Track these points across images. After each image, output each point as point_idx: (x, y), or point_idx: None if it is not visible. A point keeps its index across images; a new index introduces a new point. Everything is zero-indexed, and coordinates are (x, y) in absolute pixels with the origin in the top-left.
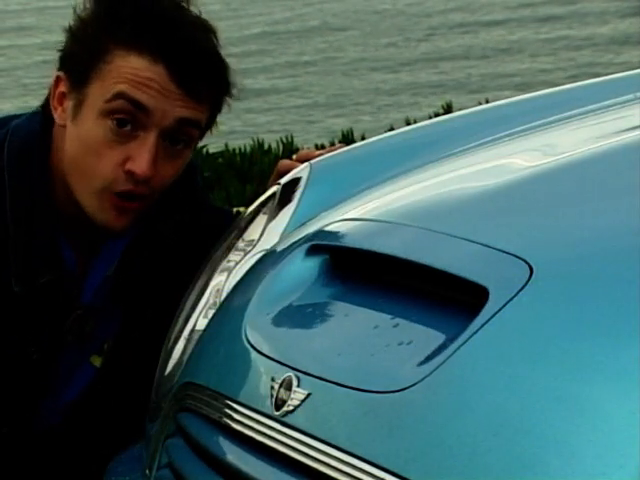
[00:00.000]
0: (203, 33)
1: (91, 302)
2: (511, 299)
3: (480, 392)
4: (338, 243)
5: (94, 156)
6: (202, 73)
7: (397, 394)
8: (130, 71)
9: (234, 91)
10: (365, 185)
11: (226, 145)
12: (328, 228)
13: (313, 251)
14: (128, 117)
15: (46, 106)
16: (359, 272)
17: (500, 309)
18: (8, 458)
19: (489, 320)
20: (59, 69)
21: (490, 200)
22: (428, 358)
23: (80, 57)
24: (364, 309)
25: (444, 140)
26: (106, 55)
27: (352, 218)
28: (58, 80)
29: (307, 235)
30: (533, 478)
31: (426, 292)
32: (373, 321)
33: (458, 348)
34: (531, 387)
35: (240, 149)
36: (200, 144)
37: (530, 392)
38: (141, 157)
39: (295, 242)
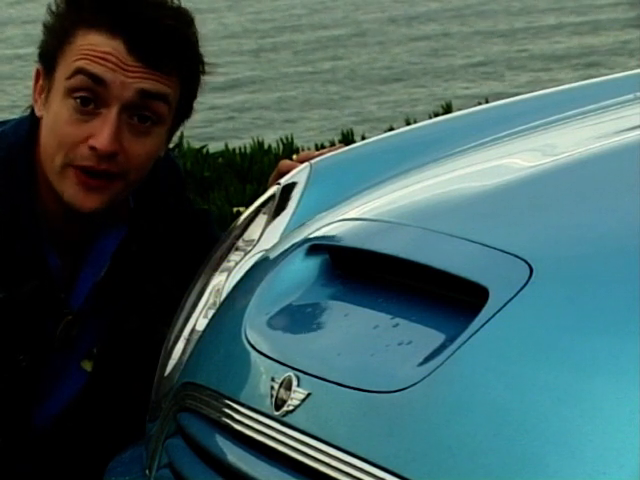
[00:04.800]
0: (165, 10)
1: (81, 308)
2: (511, 299)
3: (480, 392)
4: (338, 243)
5: (59, 135)
6: (162, 45)
7: (397, 394)
8: (88, 47)
9: (206, 68)
10: (365, 185)
11: (226, 145)
12: (328, 228)
13: (313, 251)
14: (90, 95)
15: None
16: (359, 272)
17: (500, 309)
18: (4, 464)
19: (489, 320)
20: (38, 63)
21: (490, 200)
22: (428, 358)
23: (49, 46)
24: (364, 309)
25: (444, 140)
26: (69, 37)
27: (352, 218)
28: (38, 74)
29: (307, 235)
30: (533, 478)
31: (426, 292)
32: (373, 321)
33: (458, 348)
34: (531, 387)
35: (240, 149)
36: (200, 144)
37: (530, 392)
38: (102, 132)
39: (295, 242)
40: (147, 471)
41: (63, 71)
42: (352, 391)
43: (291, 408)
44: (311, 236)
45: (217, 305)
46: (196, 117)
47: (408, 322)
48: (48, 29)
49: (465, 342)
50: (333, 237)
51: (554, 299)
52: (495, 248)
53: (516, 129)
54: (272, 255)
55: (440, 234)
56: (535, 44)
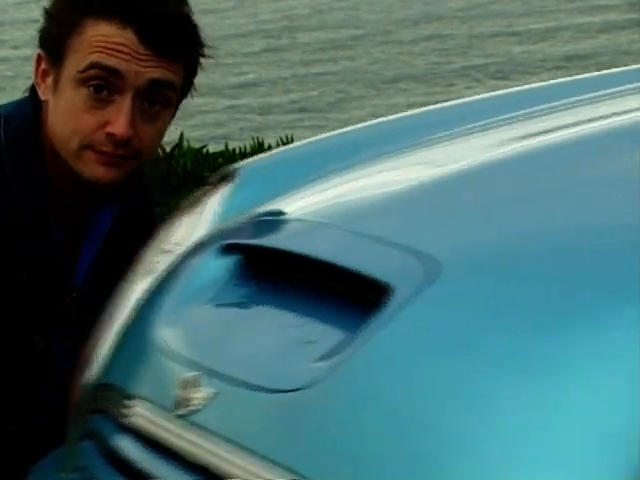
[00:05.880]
0: None
1: (83, 284)
2: (413, 297)
3: (380, 391)
4: (251, 242)
5: (74, 121)
6: (170, 34)
7: (299, 393)
8: (101, 39)
9: (206, 51)
10: (293, 186)
11: (226, 145)
12: (241, 227)
13: (227, 250)
14: (103, 83)
15: (34, 88)
16: (271, 271)
17: (402, 306)
18: (11, 448)
19: (391, 318)
20: (39, 47)
21: (406, 200)
22: (331, 356)
23: (55, 33)
24: (274, 308)
25: (377, 142)
26: (78, 27)
27: (264, 217)
28: (39, 58)
29: (221, 234)
30: (430, 477)
31: (334, 290)
32: (282, 320)
33: (360, 346)
34: (431, 385)
35: (240, 149)
36: (200, 144)
37: (430, 390)
38: (119, 119)
39: (210, 242)
40: (63, 474)
41: (75, 63)
42: (257, 390)
43: (197, 407)
44: (225, 235)
45: (135, 305)
46: (202, 118)
47: (316, 321)
48: (51, 16)
49: (367, 340)
50: (247, 236)
51: (459, 297)
52: (403, 245)
53: (448, 132)
54: (188, 255)
55: (351, 232)
56: (542, 45)
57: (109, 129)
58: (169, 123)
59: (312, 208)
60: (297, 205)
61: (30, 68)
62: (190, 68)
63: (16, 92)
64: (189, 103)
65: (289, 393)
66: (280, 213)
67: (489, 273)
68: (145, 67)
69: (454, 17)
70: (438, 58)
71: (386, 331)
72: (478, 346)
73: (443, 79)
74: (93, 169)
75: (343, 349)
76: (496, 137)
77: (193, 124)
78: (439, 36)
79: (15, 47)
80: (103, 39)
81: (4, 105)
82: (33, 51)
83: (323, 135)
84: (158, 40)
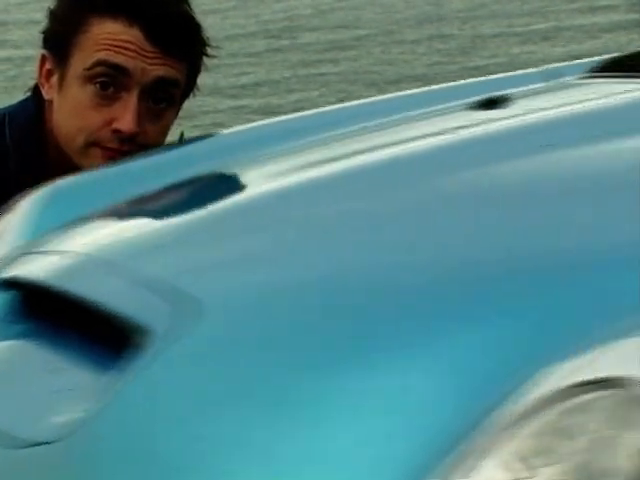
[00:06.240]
0: None
1: None
2: (171, 340)
3: (136, 439)
4: (25, 277)
5: (80, 119)
6: (175, 32)
7: (55, 445)
8: (107, 36)
9: (209, 51)
10: (90, 210)
11: None
12: (20, 261)
13: (3, 285)
14: (109, 80)
15: (36, 88)
16: (45, 309)
17: (158, 351)
18: None
19: (147, 364)
20: (43, 48)
21: (187, 233)
22: (89, 405)
23: (61, 32)
24: (43, 350)
25: (194, 162)
26: (83, 26)
27: (47, 249)
28: (43, 59)
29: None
30: None
31: (99, 333)
32: (48, 364)
33: (118, 392)
34: (192, 431)
35: None
36: None
37: (191, 437)
38: (125, 116)
39: None
40: None
41: (81, 61)
42: (10, 441)
43: None
44: (4, 269)
45: None
46: (202, 118)
47: (82, 365)
48: (56, 15)
49: (125, 386)
50: (24, 270)
51: (218, 339)
52: (170, 285)
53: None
54: None
55: (119, 269)
56: (544, 45)
57: (115, 125)
58: (172, 122)
59: (98, 239)
60: (83, 235)
61: (33, 68)
62: (194, 67)
63: (18, 92)
64: (190, 103)
65: (42, 446)
66: (63, 245)
67: (253, 314)
68: (151, 64)
69: (456, 18)
70: (440, 58)
71: (141, 377)
72: (238, 391)
73: (445, 79)
74: (99, 165)
75: (104, 397)
76: (297, 161)
77: (194, 124)
78: (441, 36)
79: (17, 47)
80: (110, 37)
81: (7, 107)
82: (36, 51)
83: (134, 157)
84: (164, 38)
